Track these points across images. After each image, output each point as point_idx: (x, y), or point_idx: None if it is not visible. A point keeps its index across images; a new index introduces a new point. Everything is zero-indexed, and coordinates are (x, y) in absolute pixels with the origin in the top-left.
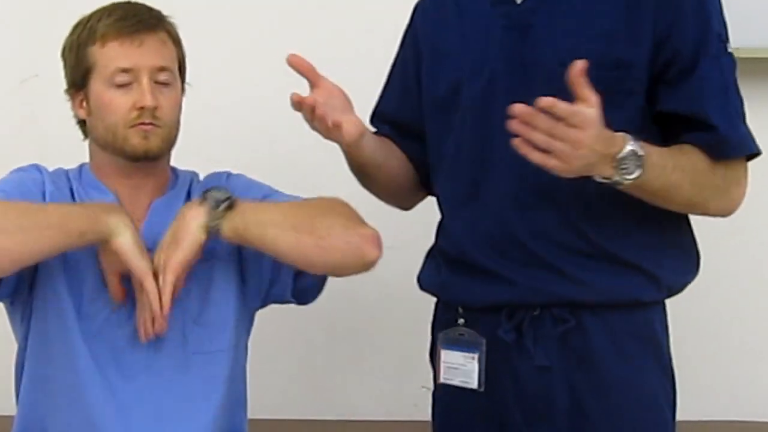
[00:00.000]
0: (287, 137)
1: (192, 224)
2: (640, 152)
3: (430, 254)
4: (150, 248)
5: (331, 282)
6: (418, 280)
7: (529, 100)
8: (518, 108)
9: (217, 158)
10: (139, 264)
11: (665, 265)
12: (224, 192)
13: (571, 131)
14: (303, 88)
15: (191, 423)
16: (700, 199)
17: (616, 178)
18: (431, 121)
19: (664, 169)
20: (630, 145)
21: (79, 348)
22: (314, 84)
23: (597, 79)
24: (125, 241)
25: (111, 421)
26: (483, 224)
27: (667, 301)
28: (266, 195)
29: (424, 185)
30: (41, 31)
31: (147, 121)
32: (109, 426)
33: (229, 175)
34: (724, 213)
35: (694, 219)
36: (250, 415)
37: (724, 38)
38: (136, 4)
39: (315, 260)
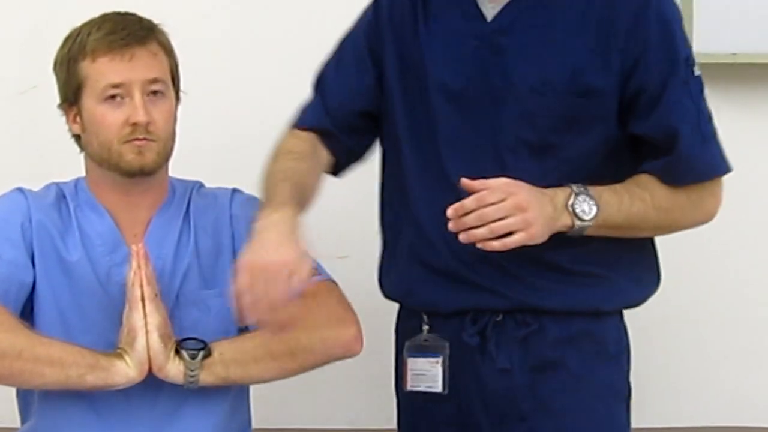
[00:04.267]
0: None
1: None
2: (590, 193)
3: (388, 260)
4: (154, 265)
5: None
6: (381, 287)
7: (498, 120)
8: (449, 212)
9: (216, 164)
10: None
11: (626, 279)
12: (197, 342)
13: (505, 204)
14: (303, 87)
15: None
16: (670, 222)
17: (578, 222)
18: (400, 122)
19: (621, 203)
20: (576, 189)
21: None
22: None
23: (568, 108)
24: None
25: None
26: (451, 235)
27: (639, 310)
28: None
29: (333, 172)
30: (40, 42)
31: (141, 136)
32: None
33: (234, 192)
34: (701, 224)
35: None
36: None
37: (691, 62)
38: (126, 15)
39: (300, 373)
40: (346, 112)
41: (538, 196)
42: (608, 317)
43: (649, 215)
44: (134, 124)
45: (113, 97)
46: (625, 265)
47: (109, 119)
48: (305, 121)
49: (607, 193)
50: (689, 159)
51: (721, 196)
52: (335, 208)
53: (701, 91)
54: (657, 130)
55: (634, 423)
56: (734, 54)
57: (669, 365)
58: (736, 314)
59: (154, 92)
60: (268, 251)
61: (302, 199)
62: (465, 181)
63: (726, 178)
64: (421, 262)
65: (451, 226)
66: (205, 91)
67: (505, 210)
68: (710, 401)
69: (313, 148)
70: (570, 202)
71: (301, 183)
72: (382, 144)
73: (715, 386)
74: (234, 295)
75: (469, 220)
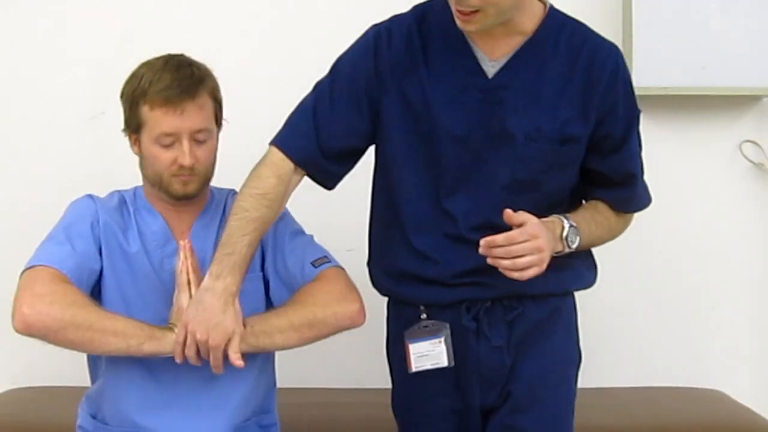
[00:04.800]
0: None
1: None
2: (575, 225)
3: (377, 270)
4: (197, 257)
5: None
6: (376, 286)
7: (496, 161)
8: (482, 243)
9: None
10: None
11: (583, 266)
12: None
13: (528, 245)
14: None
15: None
16: (611, 237)
17: (566, 249)
18: (400, 158)
19: (590, 232)
20: (567, 223)
21: None
22: None
23: (553, 152)
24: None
25: (159, 401)
26: (445, 256)
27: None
28: (293, 231)
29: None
30: (109, 73)
31: (186, 174)
32: (162, 399)
33: None
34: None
35: None
36: None
37: (639, 115)
38: (182, 66)
39: (316, 341)
40: (339, 147)
41: (550, 236)
42: (569, 297)
43: (604, 235)
44: (181, 166)
45: (166, 141)
46: (582, 256)
47: (161, 158)
48: (295, 152)
49: (583, 223)
50: (635, 196)
51: (632, 218)
52: (343, 209)
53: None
54: (616, 170)
55: (580, 384)
56: (665, 87)
57: (608, 336)
58: (660, 295)
59: (201, 138)
60: (210, 313)
61: (248, 259)
62: (508, 212)
63: (659, 191)
64: (414, 275)
65: (482, 251)
66: (240, 118)
67: (528, 250)
68: (640, 365)
69: (285, 186)
70: (564, 234)
71: (256, 239)
72: (375, 169)
73: (644, 353)
74: (178, 342)
75: (498, 252)
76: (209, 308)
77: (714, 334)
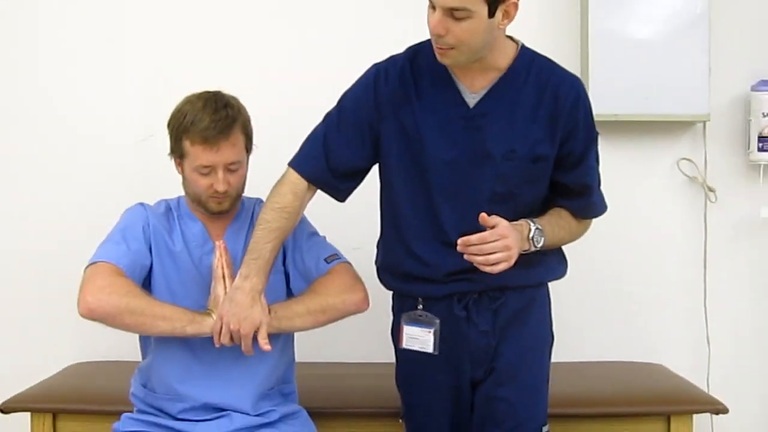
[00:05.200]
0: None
1: None
2: (540, 227)
3: (383, 270)
4: (230, 255)
5: None
6: (383, 283)
7: (480, 178)
8: (460, 242)
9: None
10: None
11: (555, 260)
12: None
13: (498, 243)
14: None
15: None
16: (573, 239)
17: (532, 248)
18: (397, 178)
19: (554, 233)
20: (533, 226)
21: None
22: None
23: (526, 169)
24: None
25: (199, 373)
26: (437, 259)
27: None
28: (309, 233)
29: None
30: (155, 102)
31: (220, 197)
32: (200, 371)
33: None
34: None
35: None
36: None
37: (596, 136)
38: (218, 109)
39: (328, 324)
40: (345, 168)
41: (518, 236)
42: (543, 288)
43: (565, 237)
44: (216, 191)
45: (204, 171)
46: (553, 252)
47: (199, 182)
48: (308, 172)
49: (548, 226)
50: (592, 204)
51: (591, 223)
52: (350, 215)
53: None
54: (576, 182)
55: (552, 360)
56: (617, 114)
57: (575, 319)
58: (615, 286)
59: (233, 168)
60: (240, 308)
61: (271, 262)
62: (483, 216)
63: (612, 200)
64: (414, 275)
65: (459, 249)
66: (265, 139)
67: (498, 248)
68: (599, 344)
69: (300, 201)
70: (531, 235)
71: (277, 245)
72: (381, 186)
73: (603, 334)
74: (215, 331)
75: (473, 250)
76: (240, 304)
77: (657, 319)
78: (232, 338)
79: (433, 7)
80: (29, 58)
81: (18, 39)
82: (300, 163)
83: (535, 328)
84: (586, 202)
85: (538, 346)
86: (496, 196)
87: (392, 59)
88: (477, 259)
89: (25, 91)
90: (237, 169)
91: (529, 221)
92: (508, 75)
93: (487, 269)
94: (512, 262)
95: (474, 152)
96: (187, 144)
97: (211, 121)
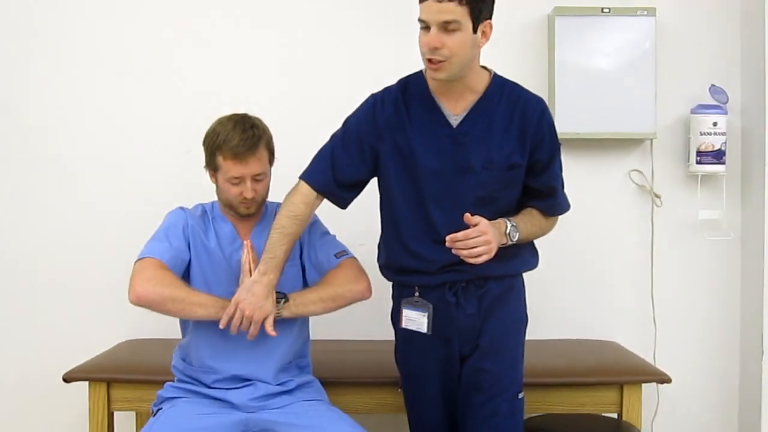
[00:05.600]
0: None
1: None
2: (515, 225)
3: (386, 266)
4: (256, 251)
5: None
6: (384, 276)
7: (463, 186)
8: (448, 238)
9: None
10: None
11: (528, 254)
12: (282, 293)
13: (480, 239)
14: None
15: (275, 350)
16: (543, 233)
17: (509, 242)
18: (395, 188)
19: (527, 229)
20: (509, 224)
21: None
22: None
23: (503, 176)
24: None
25: (228, 350)
26: (431, 255)
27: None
28: (322, 232)
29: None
30: (193, 121)
31: (249, 202)
32: (230, 348)
33: None
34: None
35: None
36: None
37: (559, 147)
38: (246, 129)
39: (337, 309)
40: (349, 180)
41: (496, 232)
42: (519, 277)
43: (537, 232)
44: (245, 197)
45: (235, 182)
46: (527, 248)
47: (231, 191)
48: (317, 184)
49: (522, 223)
50: (558, 204)
51: (557, 220)
52: (355, 217)
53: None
54: (544, 185)
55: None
56: (578, 132)
57: (544, 303)
58: (576, 276)
59: (259, 179)
60: (257, 299)
61: (284, 261)
62: (467, 216)
63: (575, 204)
64: (410, 269)
65: (447, 245)
66: (285, 150)
67: (479, 243)
68: (563, 324)
69: (310, 209)
70: (507, 231)
71: (290, 247)
72: (380, 196)
73: (566, 315)
74: (228, 314)
75: (459, 245)
76: (257, 294)
77: (612, 304)
78: (240, 323)
79: (426, 27)
80: (90, 79)
81: (78, 61)
82: (310, 176)
83: (513, 311)
84: (552, 202)
85: (516, 326)
86: (478, 200)
87: (387, 89)
88: (462, 253)
89: (87, 112)
90: (262, 179)
91: (506, 220)
92: (484, 98)
93: (472, 261)
94: (492, 254)
95: (458, 164)
96: (220, 159)
97: (240, 140)
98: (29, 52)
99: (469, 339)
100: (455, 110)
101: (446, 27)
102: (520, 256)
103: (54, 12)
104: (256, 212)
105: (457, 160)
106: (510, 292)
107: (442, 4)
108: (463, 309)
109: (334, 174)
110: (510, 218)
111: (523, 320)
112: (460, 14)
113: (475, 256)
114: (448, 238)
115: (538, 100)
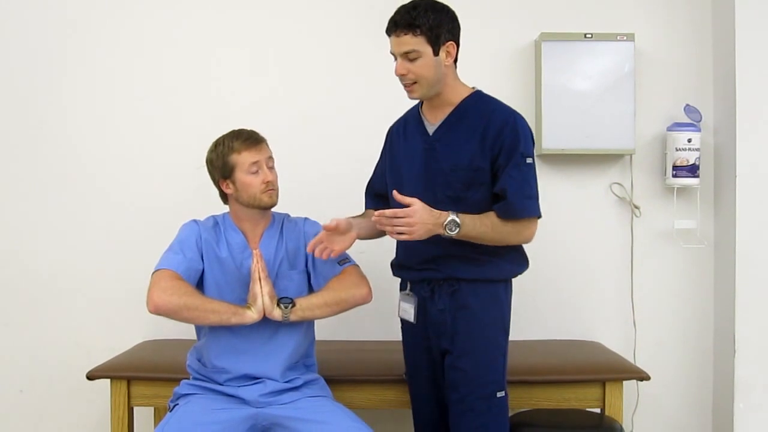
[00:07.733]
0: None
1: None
2: (457, 219)
3: (397, 264)
4: (264, 259)
5: None
6: (392, 271)
7: (435, 185)
8: (375, 215)
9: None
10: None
11: (504, 261)
12: (289, 299)
13: (404, 220)
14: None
15: (282, 349)
16: (501, 238)
17: (446, 234)
18: (389, 189)
19: (474, 226)
20: (450, 216)
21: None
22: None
23: (467, 177)
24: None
25: (240, 352)
26: (417, 250)
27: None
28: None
29: None
30: (203, 141)
31: (270, 188)
32: (241, 349)
33: (306, 219)
34: (524, 243)
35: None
36: None
37: (526, 154)
38: (246, 131)
39: (340, 313)
40: (379, 193)
41: (426, 216)
42: (499, 283)
43: (488, 234)
44: (266, 182)
45: (253, 170)
46: (502, 255)
47: (253, 182)
48: (367, 202)
49: (468, 219)
50: (510, 206)
51: (535, 229)
52: None
53: (531, 169)
54: (499, 188)
55: (511, 338)
56: (563, 149)
57: (531, 306)
58: (562, 280)
59: (270, 165)
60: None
61: (365, 223)
62: (396, 194)
63: (559, 215)
64: (402, 264)
65: (374, 219)
66: (287, 159)
67: (402, 223)
68: (546, 325)
69: (368, 214)
70: (445, 223)
71: (368, 222)
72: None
73: (548, 316)
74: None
75: (384, 222)
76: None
77: (595, 307)
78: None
79: (395, 57)
80: (111, 102)
81: (98, 84)
82: (366, 195)
83: (489, 315)
84: (504, 203)
85: (493, 329)
86: (448, 198)
87: (401, 117)
88: (387, 229)
89: (107, 131)
90: (272, 166)
91: (450, 213)
92: (458, 109)
93: (393, 237)
94: (413, 237)
95: (431, 167)
96: (234, 156)
97: (246, 135)
98: (63, 71)
99: (442, 333)
100: (434, 120)
101: (408, 56)
102: (494, 263)
103: (77, 37)
104: (276, 202)
105: (429, 164)
106: (487, 297)
107: (400, 38)
108: (434, 303)
109: (371, 188)
110: (457, 213)
111: (502, 324)
112: (417, 44)
113: (397, 234)
114: (376, 213)
115: (509, 113)
